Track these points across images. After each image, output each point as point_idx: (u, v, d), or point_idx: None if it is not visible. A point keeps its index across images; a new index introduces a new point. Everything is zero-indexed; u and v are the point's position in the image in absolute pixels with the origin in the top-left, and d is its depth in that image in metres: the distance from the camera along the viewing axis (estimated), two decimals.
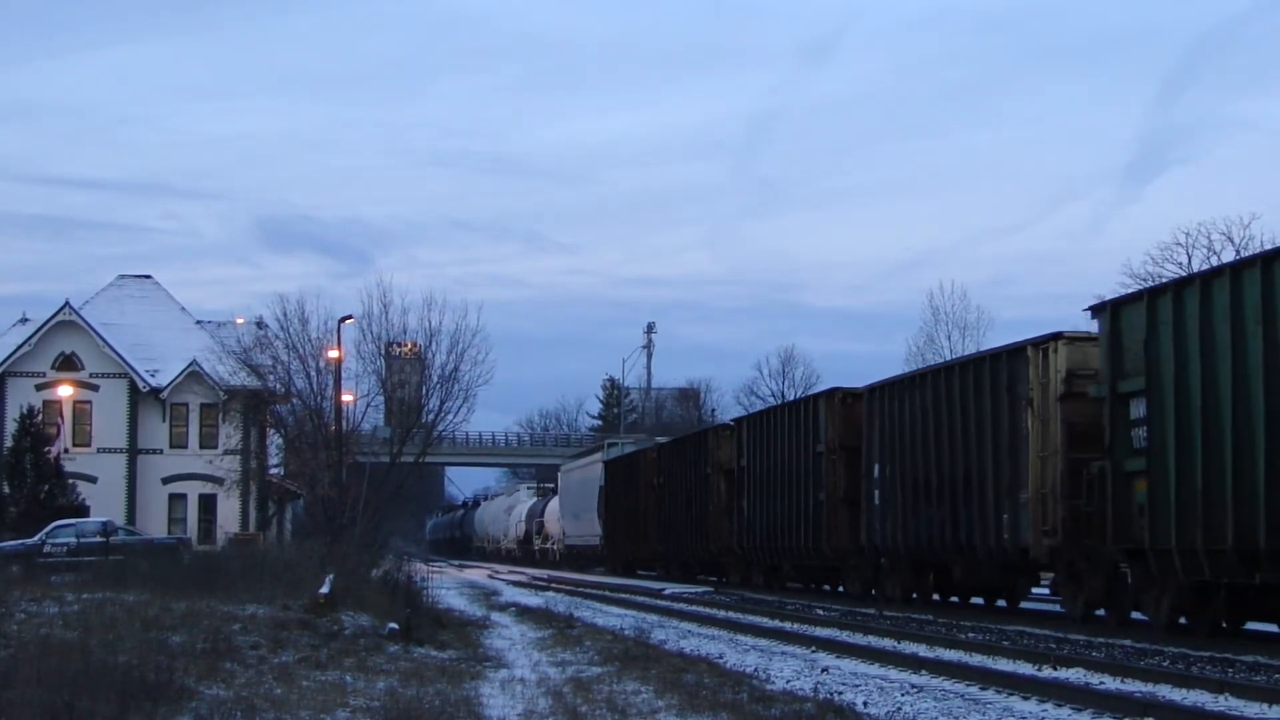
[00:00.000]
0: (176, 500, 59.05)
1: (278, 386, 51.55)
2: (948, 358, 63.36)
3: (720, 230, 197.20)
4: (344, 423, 48.25)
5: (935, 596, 28.98)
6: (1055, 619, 23.24)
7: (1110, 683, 14.40)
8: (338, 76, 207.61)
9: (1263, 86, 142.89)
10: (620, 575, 50.77)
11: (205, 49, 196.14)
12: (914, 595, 28.72)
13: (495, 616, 27.27)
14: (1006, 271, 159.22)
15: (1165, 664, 16.11)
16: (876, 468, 29.39)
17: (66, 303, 59.08)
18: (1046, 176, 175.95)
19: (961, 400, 25.67)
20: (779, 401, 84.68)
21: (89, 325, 58.27)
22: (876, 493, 29.33)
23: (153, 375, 58.44)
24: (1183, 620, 19.87)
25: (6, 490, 48.90)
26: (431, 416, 50.68)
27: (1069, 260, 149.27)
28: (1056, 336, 23.21)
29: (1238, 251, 56.74)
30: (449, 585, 40.14)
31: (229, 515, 58.01)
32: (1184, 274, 50.91)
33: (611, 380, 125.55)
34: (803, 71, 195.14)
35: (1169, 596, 19.77)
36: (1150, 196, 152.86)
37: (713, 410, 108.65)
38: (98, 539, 40.25)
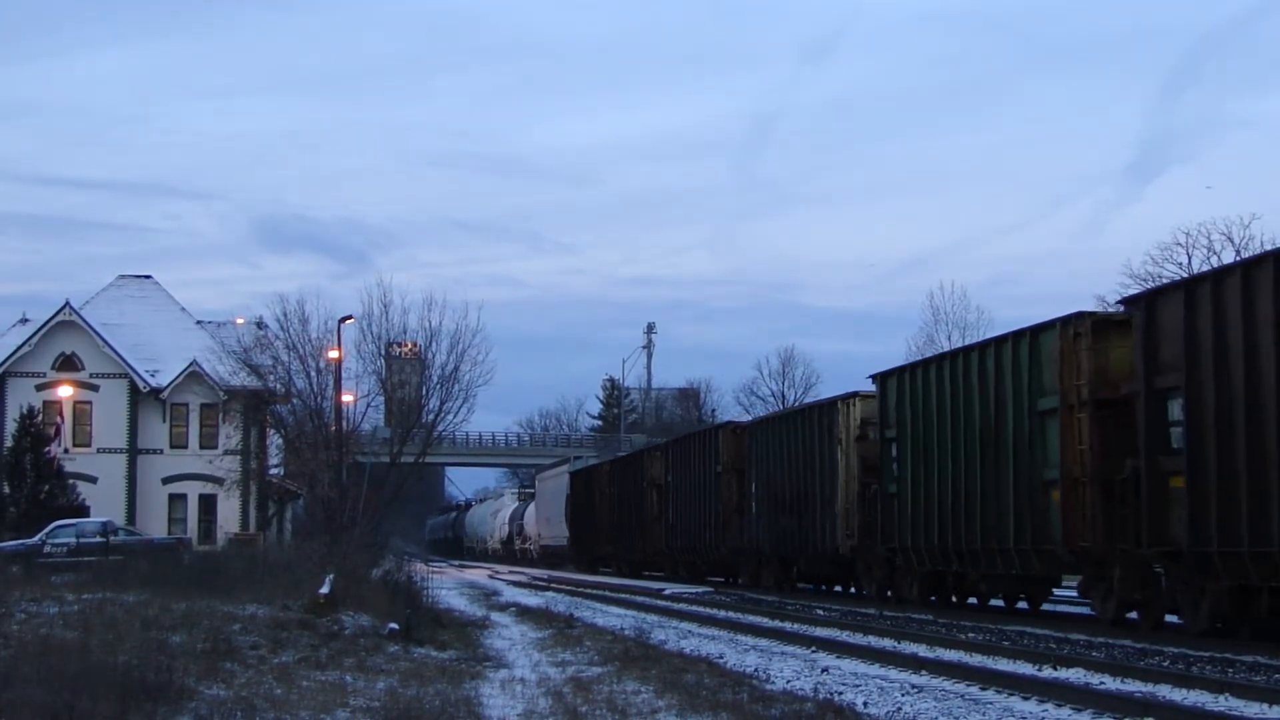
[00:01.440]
0: (176, 500, 59.03)
1: (278, 387, 51.49)
2: None
3: (720, 230, 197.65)
4: (344, 423, 48.21)
5: (807, 586, 36.59)
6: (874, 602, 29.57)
7: (1110, 683, 14.40)
8: (336, 76, 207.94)
9: (1263, 86, 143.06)
10: (584, 572, 56.55)
11: (203, 48, 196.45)
12: (783, 584, 36.01)
13: (495, 616, 27.27)
14: (1006, 271, 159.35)
15: (1165, 664, 16.11)
16: (754, 485, 37.00)
17: (67, 303, 59.07)
18: (1046, 176, 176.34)
19: (802, 437, 33.45)
20: (779, 404, 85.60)
21: (89, 325, 58.25)
22: (754, 505, 36.91)
23: (153, 375, 58.42)
24: (934, 597, 27.71)
25: (6, 490, 48.89)
26: (431, 417, 50.63)
27: (1069, 260, 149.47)
28: (855, 395, 31.23)
29: (1238, 252, 56.74)
30: (449, 585, 40.14)
31: (229, 515, 57.99)
32: (1185, 273, 50.98)
33: (612, 380, 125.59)
34: (802, 71, 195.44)
35: (918, 580, 27.88)
36: (1150, 196, 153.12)
37: (713, 410, 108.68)
38: (98, 539, 40.29)
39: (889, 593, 29.27)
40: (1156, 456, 19.31)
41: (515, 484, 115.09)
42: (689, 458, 43.23)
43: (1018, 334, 23.30)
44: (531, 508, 78.66)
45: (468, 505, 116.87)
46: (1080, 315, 21.69)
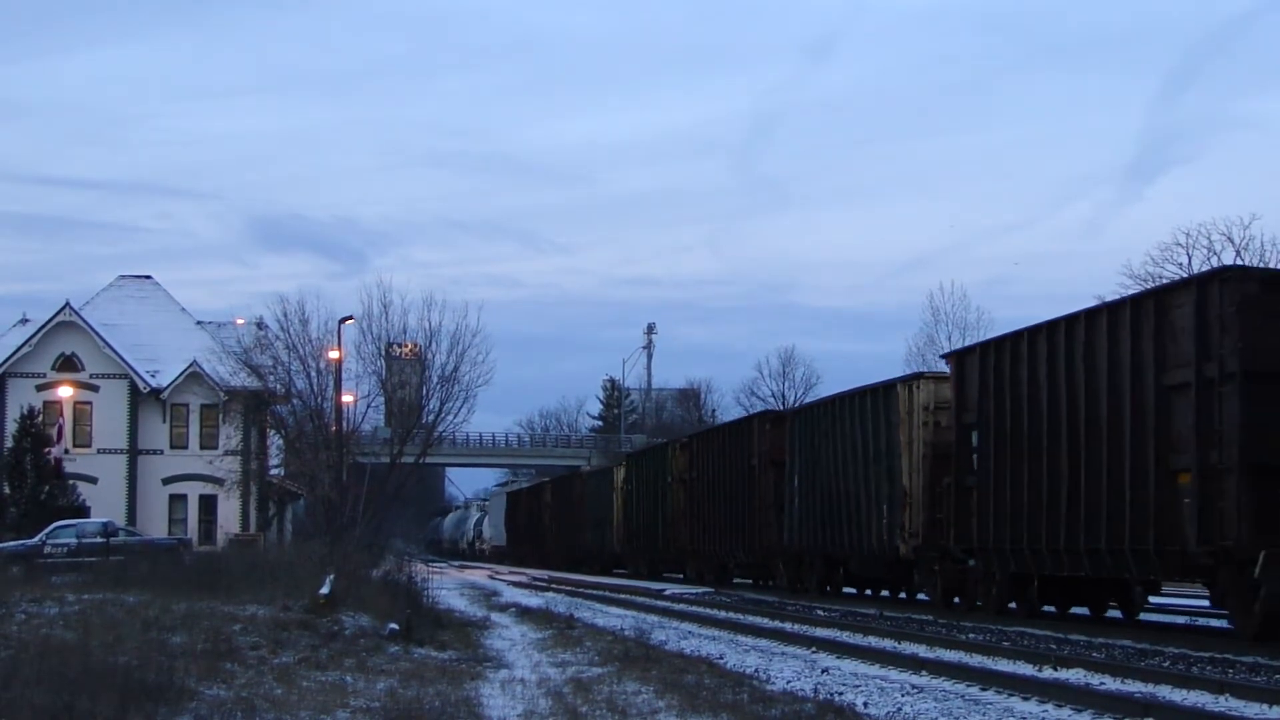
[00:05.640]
0: (177, 501, 59.07)
1: (278, 387, 51.51)
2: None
3: (720, 230, 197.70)
4: (344, 423, 48.22)
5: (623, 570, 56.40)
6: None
7: (1110, 683, 14.39)
8: (332, 75, 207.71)
9: (1264, 86, 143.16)
10: (516, 566, 73.44)
11: (199, 47, 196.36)
12: (605, 570, 56.73)
13: (495, 617, 27.27)
14: (1006, 271, 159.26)
15: (1165, 664, 16.10)
16: (591, 510, 59.22)
17: (67, 303, 59.10)
18: (1046, 176, 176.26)
19: (600, 486, 58.25)
20: (779, 404, 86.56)
21: (89, 326, 58.28)
22: (590, 522, 59.28)
23: (153, 376, 58.45)
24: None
25: (7, 491, 48.89)
26: (431, 417, 50.67)
27: (1069, 260, 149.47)
28: (622, 462, 56.33)
29: (1237, 252, 56.74)
30: (450, 585, 40.16)
31: (229, 516, 58.03)
32: (1185, 274, 50.88)
33: (612, 381, 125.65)
34: (803, 71, 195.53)
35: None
36: (1151, 196, 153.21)
37: (713, 411, 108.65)
38: (98, 539, 40.27)
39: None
40: None
41: (472, 499, 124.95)
42: (568, 491, 66.32)
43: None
44: (486, 518, 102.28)
45: (447, 512, 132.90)
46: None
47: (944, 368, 28.03)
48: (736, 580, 42.21)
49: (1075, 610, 25.20)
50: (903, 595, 31.93)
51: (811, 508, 32.91)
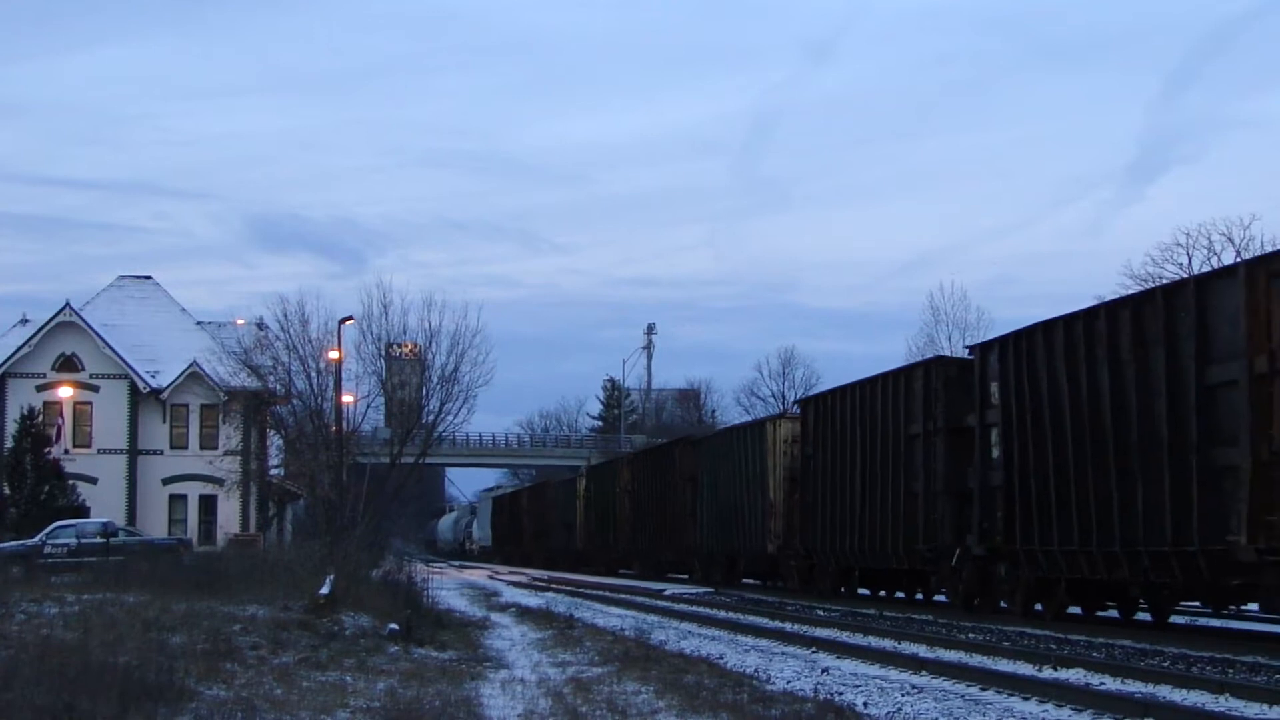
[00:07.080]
0: (177, 501, 59.04)
1: (278, 387, 51.43)
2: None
3: (720, 230, 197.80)
4: (344, 424, 48.16)
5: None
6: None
7: (1110, 683, 14.39)
8: (330, 75, 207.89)
9: (1264, 86, 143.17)
10: (500, 563, 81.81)
11: (199, 47, 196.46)
12: (586, 569, 60.24)
13: (495, 617, 27.27)
14: (1006, 271, 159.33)
15: (1165, 664, 16.11)
16: (560, 517, 67.54)
17: (67, 303, 59.09)
18: (1047, 176, 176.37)
19: (560, 497, 69.02)
20: (779, 404, 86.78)
21: (89, 326, 58.25)
22: (560, 526, 67.66)
23: (153, 376, 58.42)
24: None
25: (7, 491, 48.86)
26: (432, 417, 50.58)
27: (1069, 260, 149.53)
28: (583, 472, 64.69)
29: (1238, 252, 56.74)
30: (450, 586, 40.16)
31: (229, 516, 58.00)
32: (1186, 273, 51.01)
33: (612, 381, 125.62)
34: (803, 71, 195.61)
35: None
36: (1151, 196, 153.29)
37: (713, 411, 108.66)
38: (98, 540, 40.25)
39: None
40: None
41: (463, 501, 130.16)
42: (542, 497, 74.67)
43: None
44: (475, 520, 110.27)
45: (442, 513, 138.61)
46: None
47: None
48: (670, 574, 49.47)
49: (901, 595, 32.28)
50: (792, 586, 37.62)
51: (714, 516, 41.25)
